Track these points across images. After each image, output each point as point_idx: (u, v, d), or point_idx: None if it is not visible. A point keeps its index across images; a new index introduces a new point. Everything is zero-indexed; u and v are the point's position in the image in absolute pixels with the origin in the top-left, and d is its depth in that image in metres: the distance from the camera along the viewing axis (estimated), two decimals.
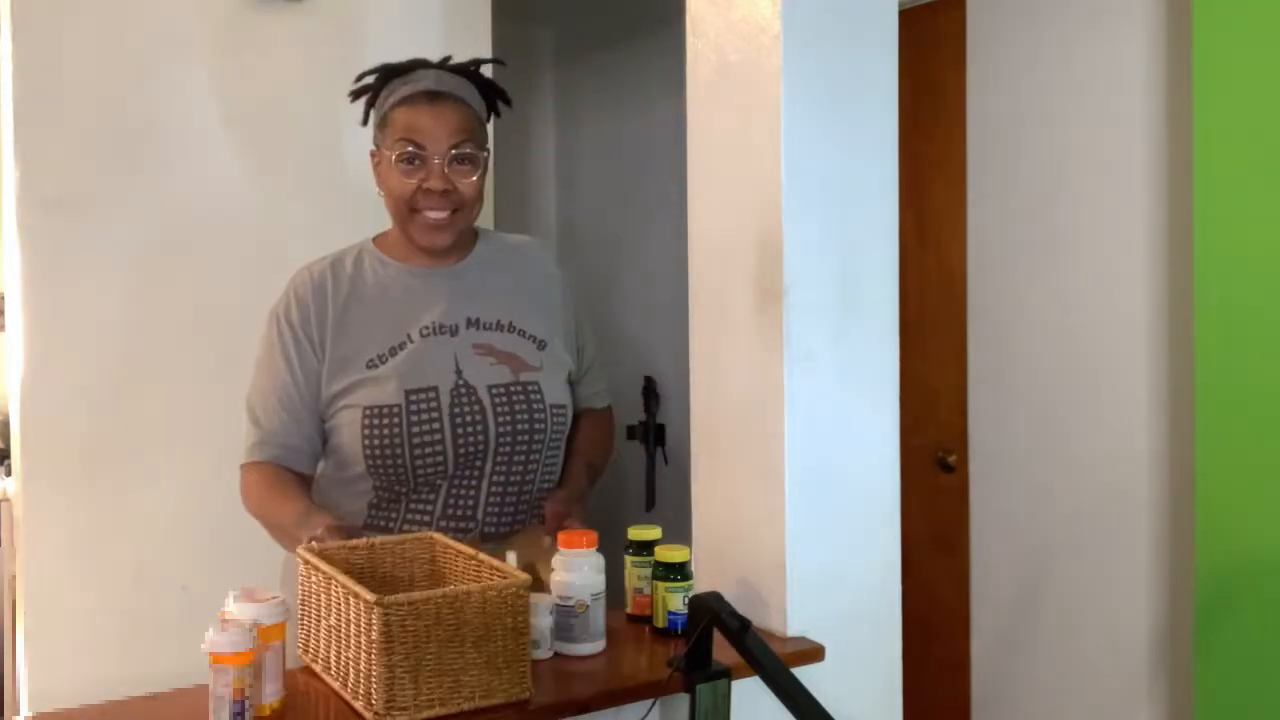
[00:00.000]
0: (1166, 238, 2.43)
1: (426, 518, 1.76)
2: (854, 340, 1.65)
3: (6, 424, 2.69)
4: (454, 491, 1.76)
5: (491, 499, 1.78)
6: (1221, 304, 2.06)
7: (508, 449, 1.77)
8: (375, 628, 1.21)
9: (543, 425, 1.79)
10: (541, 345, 1.84)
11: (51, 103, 2.33)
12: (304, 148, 2.57)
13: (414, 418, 1.72)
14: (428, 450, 1.73)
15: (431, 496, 1.76)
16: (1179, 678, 2.42)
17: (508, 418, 1.76)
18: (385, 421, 1.72)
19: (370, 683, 1.24)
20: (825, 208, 1.62)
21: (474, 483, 1.77)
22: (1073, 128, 2.63)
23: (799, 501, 1.59)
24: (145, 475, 2.41)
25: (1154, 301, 2.46)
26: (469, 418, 1.74)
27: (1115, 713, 2.55)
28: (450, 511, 1.76)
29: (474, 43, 2.74)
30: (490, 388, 1.76)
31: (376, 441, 1.72)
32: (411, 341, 1.77)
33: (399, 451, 1.72)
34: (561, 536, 1.52)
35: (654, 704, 1.39)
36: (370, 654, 1.23)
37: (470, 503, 1.77)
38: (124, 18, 2.39)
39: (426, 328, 1.78)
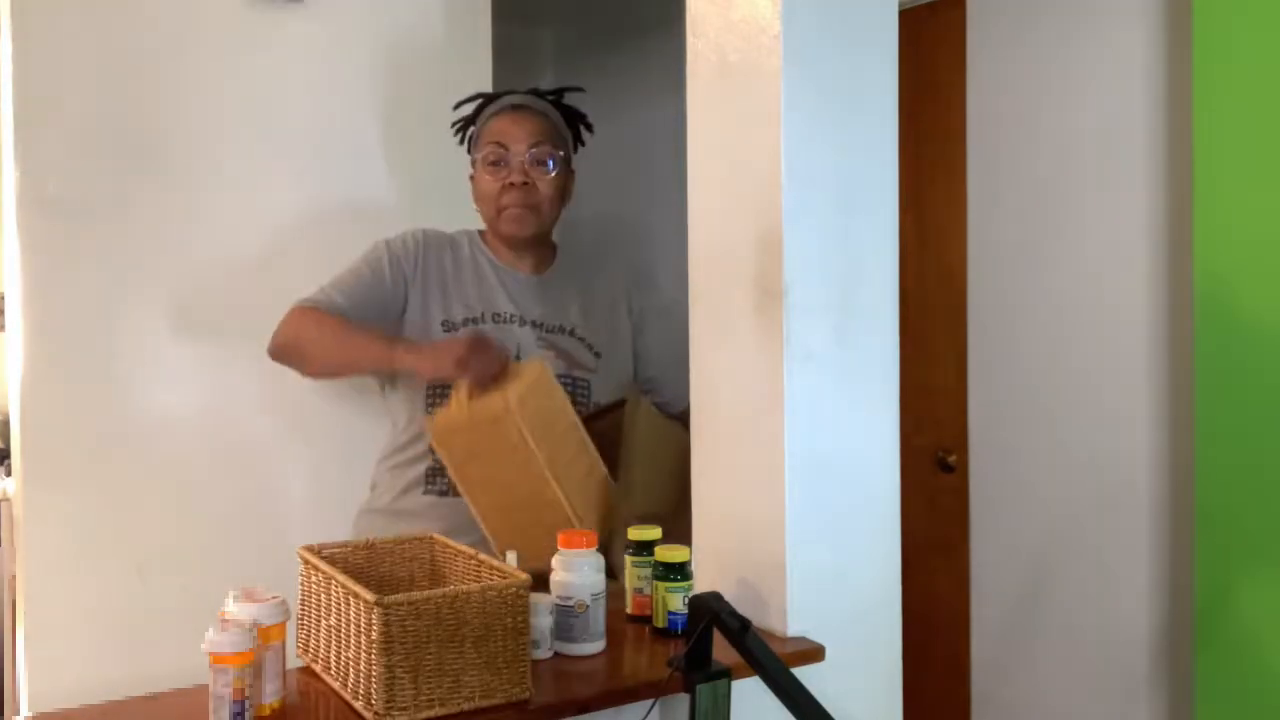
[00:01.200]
0: (1166, 238, 2.43)
1: None
2: (854, 340, 1.65)
3: (6, 424, 2.69)
4: None
5: None
6: (1221, 304, 2.06)
7: None
8: (375, 628, 1.21)
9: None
10: (599, 355, 2.03)
11: (51, 103, 2.33)
12: (304, 148, 2.57)
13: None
14: None
15: None
16: (1179, 678, 2.42)
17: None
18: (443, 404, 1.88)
19: (370, 683, 1.24)
20: (825, 208, 1.62)
21: None
22: (1072, 128, 2.63)
23: (799, 501, 1.59)
24: (145, 475, 2.40)
25: (1154, 301, 2.46)
26: None
27: (1115, 713, 2.55)
28: None
29: (474, 43, 2.74)
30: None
31: (436, 401, 1.92)
32: (483, 321, 1.99)
33: None
34: (561, 536, 1.52)
35: (654, 704, 1.39)
36: (370, 654, 1.23)
37: None
38: (124, 18, 2.39)
39: (499, 315, 2.00)
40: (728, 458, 1.69)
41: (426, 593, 1.25)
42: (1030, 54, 2.72)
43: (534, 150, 1.99)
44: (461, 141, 2.11)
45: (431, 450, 1.93)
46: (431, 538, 1.54)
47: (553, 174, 2.01)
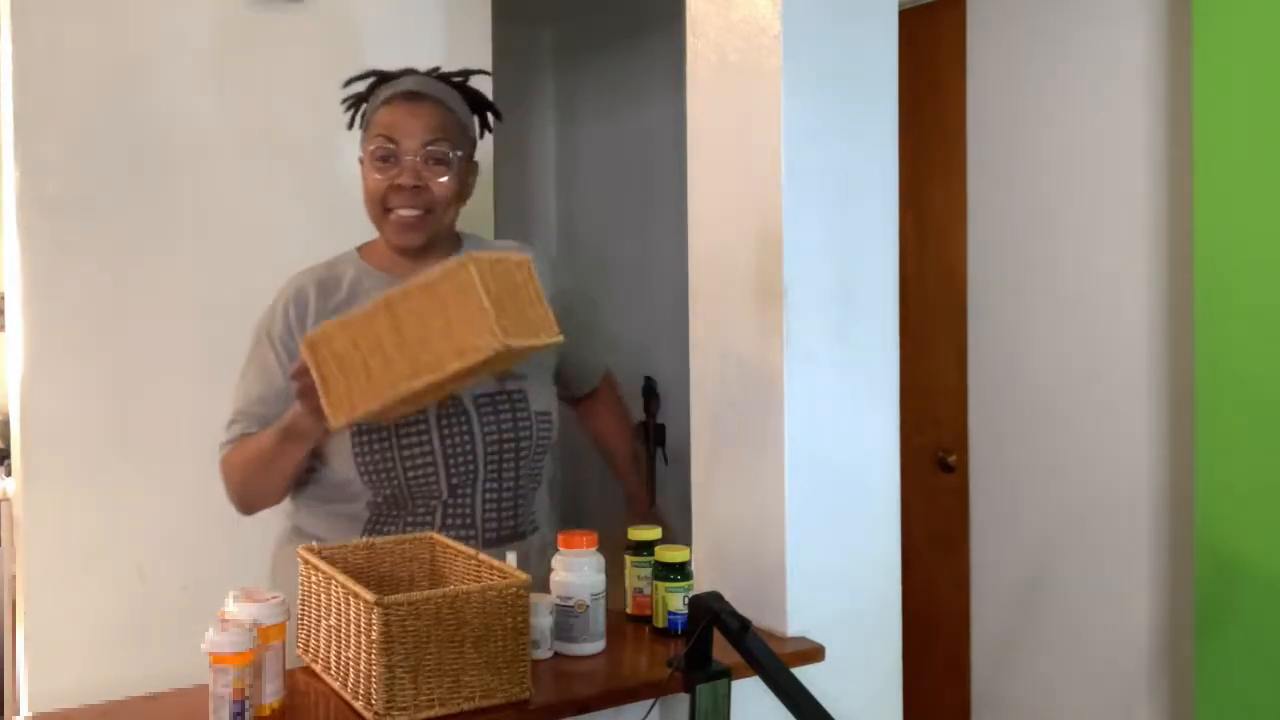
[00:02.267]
0: (1166, 238, 2.43)
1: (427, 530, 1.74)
2: (854, 340, 1.65)
3: (6, 424, 2.69)
4: (450, 504, 1.74)
5: (488, 508, 1.77)
6: (1221, 304, 2.06)
7: (495, 458, 1.75)
8: (375, 628, 1.21)
9: (528, 433, 1.77)
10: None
11: (51, 103, 2.33)
12: (304, 148, 2.57)
13: (404, 438, 1.70)
14: (420, 464, 1.71)
15: (429, 516, 1.74)
16: (1179, 678, 2.42)
17: (494, 426, 1.75)
18: (375, 444, 1.69)
19: (370, 683, 1.24)
20: (825, 207, 1.62)
21: (468, 494, 1.75)
22: (1073, 127, 2.63)
23: (799, 501, 1.59)
24: (145, 475, 2.41)
25: (1154, 301, 2.46)
26: (457, 428, 1.73)
27: (1115, 713, 2.55)
28: (449, 523, 1.74)
29: (474, 43, 2.74)
30: (476, 396, 1.74)
31: (369, 461, 1.70)
32: None
33: (393, 469, 1.70)
34: (561, 537, 1.52)
35: (654, 704, 1.39)
36: (370, 654, 1.23)
37: (468, 513, 1.75)
38: (124, 18, 2.39)
39: None
40: (728, 458, 1.69)
41: (426, 593, 1.25)
42: (1030, 54, 2.72)
43: (429, 148, 1.72)
44: (351, 124, 1.86)
45: (369, 505, 1.73)
46: (431, 538, 1.54)
47: (449, 176, 1.74)
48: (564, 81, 4.17)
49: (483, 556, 1.41)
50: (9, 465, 2.72)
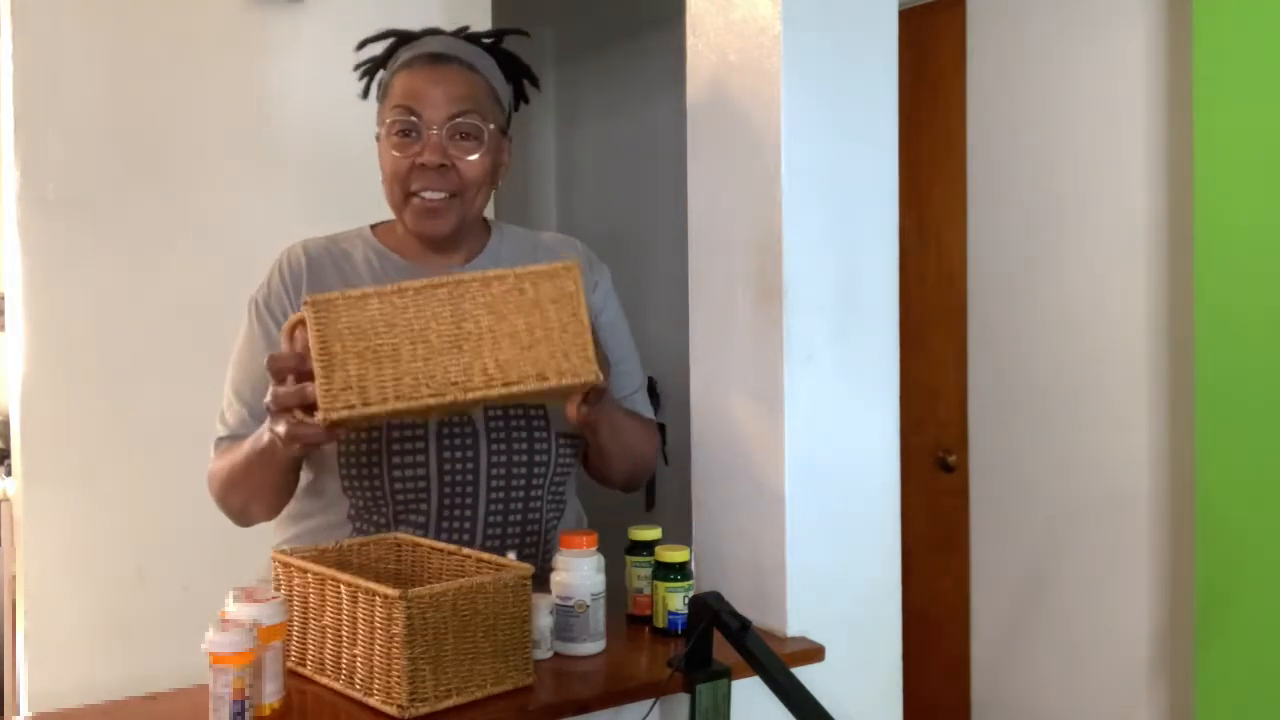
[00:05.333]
0: (1166, 238, 2.43)
1: None
2: (854, 340, 1.65)
3: (6, 424, 2.69)
4: (445, 528, 1.56)
5: (490, 534, 1.58)
6: (1221, 304, 2.06)
7: (502, 481, 1.57)
8: (399, 622, 1.22)
9: (544, 458, 1.60)
10: None
11: (51, 103, 2.33)
12: (304, 147, 2.57)
13: (395, 433, 1.52)
14: (409, 474, 1.53)
15: (419, 533, 1.55)
16: (1179, 678, 2.42)
17: (503, 446, 1.57)
18: (364, 443, 1.52)
19: (390, 677, 1.25)
20: (825, 207, 1.62)
21: (467, 519, 1.57)
22: (1073, 127, 2.63)
23: (799, 501, 1.59)
24: (145, 475, 2.41)
25: (1154, 301, 2.46)
26: (458, 441, 1.55)
27: (1115, 713, 2.55)
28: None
29: None
30: (488, 412, 1.56)
31: (352, 457, 1.53)
32: None
33: (376, 472, 1.53)
34: (562, 537, 1.51)
35: (654, 704, 1.38)
36: (391, 648, 1.24)
37: (466, 540, 1.57)
38: (124, 17, 2.39)
39: None
40: (728, 458, 1.69)
41: (444, 585, 1.27)
42: (1030, 54, 2.72)
43: (456, 121, 1.51)
44: (365, 93, 1.65)
45: (350, 517, 1.57)
46: (396, 538, 1.52)
47: (480, 153, 1.53)
48: (564, 81, 4.17)
49: (467, 551, 1.41)
50: (9, 465, 2.72)
